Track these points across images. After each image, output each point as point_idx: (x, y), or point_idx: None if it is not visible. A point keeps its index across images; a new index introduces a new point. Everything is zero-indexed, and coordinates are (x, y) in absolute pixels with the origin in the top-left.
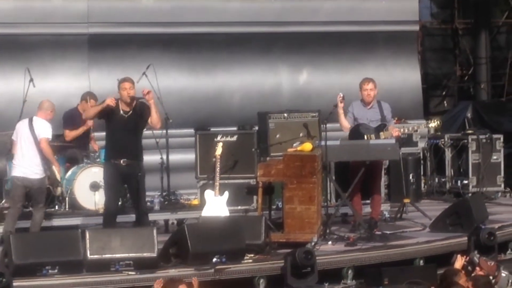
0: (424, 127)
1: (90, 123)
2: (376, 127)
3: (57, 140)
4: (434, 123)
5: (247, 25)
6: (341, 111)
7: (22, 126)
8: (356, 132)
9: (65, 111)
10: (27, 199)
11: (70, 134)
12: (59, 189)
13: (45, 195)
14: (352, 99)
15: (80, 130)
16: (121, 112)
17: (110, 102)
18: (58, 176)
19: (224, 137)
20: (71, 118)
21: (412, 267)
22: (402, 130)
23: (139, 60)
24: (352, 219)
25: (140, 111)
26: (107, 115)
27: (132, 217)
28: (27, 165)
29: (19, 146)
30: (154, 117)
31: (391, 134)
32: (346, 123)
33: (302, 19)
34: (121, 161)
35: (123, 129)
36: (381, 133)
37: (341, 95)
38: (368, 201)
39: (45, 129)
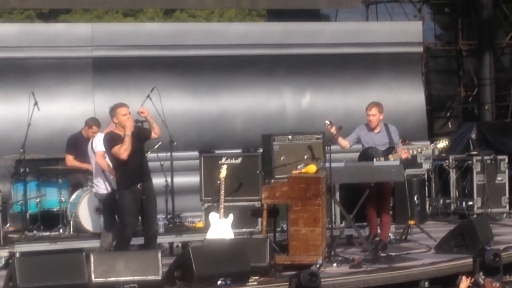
0: (433, 148)
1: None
2: (385, 149)
3: (61, 163)
4: (442, 143)
5: (250, 48)
6: (339, 138)
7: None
8: (366, 155)
9: (69, 136)
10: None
11: (72, 162)
12: None
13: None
14: (354, 121)
15: (84, 166)
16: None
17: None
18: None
19: (229, 160)
20: (73, 142)
21: None
22: (411, 151)
23: (143, 83)
24: (358, 240)
25: (138, 134)
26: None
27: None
28: (96, 181)
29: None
30: (156, 128)
31: (400, 156)
32: (345, 143)
33: (305, 41)
34: (138, 186)
35: (133, 153)
36: (390, 156)
37: (327, 122)
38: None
39: (99, 143)
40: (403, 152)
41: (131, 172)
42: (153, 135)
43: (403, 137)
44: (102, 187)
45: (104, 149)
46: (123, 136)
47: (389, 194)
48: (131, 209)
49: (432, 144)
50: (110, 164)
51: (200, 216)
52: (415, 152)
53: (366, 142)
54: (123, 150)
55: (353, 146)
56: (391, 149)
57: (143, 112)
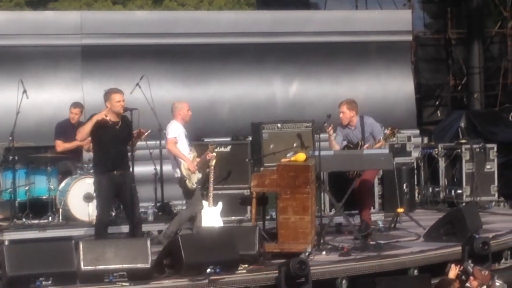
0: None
1: (85, 142)
2: (354, 147)
3: (50, 151)
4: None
5: (239, 36)
6: (331, 139)
7: None
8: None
9: (57, 122)
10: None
11: (61, 146)
12: (188, 183)
13: (187, 193)
14: None
15: (73, 144)
16: (111, 123)
17: (100, 117)
18: (184, 172)
19: (218, 148)
20: (63, 129)
21: (406, 277)
22: (370, 144)
23: (132, 71)
24: (347, 228)
25: (126, 125)
26: (97, 129)
27: (122, 229)
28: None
29: None
30: (134, 142)
31: (371, 147)
32: (336, 146)
33: (294, 30)
34: (115, 172)
35: (114, 141)
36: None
37: (326, 125)
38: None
39: (168, 130)
40: (365, 148)
41: (108, 158)
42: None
43: (392, 125)
44: (177, 170)
45: (174, 136)
46: (109, 122)
47: (370, 185)
48: (105, 195)
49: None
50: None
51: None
52: (379, 144)
53: (348, 139)
54: (78, 131)
55: None
56: (356, 146)
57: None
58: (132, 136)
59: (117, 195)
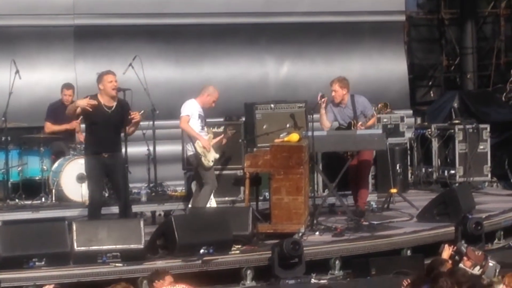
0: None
1: (75, 123)
2: (346, 126)
3: (43, 132)
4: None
5: (232, 16)
6: (323, 111)
7: None
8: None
9: (50, 103)
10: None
11: (50, 127)
12: (203, 160)
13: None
14: None
15: (62, 127)
16: (104, 108)
17: (86, 104)
18: (199, 150)
19: (211, 128)
20: (54, 110)
21: (399, 257)
22: (364, 122)
23: (125, 51)
24: (341, 208)
25: (121, 109)
26: (90, 112)
27: (115, 209)
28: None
29: None
30: (132, 130)
31: (359, 127)
32: (326, 123)
33: (287, 10)
34: (104, 154)
35: (106, 124)
36: (351, 131)
37: (321, 94)
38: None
39: (183, 109)
40: (358, 126)
41: (97, 140)
42: (127, 129)
43: (384, 102)
44: (189, 149)
45: (187, 114)
46: (102, 105)
47: (368, 166)
48: (95, 176)
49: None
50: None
51: (182, 184)
52: (369, 122)
53: (339, 117)
54: (67, 111)
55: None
56: (350, 124)
57: (136, 116)
58: (130, 121)
59: (108, 176)
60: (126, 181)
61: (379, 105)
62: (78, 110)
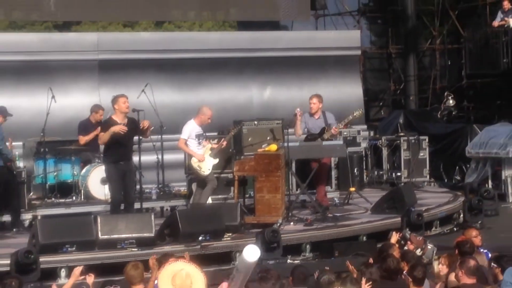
0: (351, 118)
1: (99, 129)
2: (319, 132)
3: (74, 144)
4: (358, 112)
5: (224, 52)
6: (298, 122)
7: None
8: (307, 139)
9: (79, 121)
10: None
11: (83, 139)
12: (199, 172)
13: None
14: (307, 109)
15: (91, 135)
16: (118, 124)
17: (119, 129)
18: (195, 165)
19: (210, 140)
20: (84, 126)
21: (357, 242)
22: (338, 126)
23: (139, 80)
24: (310, 204)
25: (132, 125)
26: (108, 128)
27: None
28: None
29: None
30: (148, 134)
31: (331, 133)
32: (299, 131)
33: (268, 46)
34: (120, 162)
35: (121, 138)
36: (324, 134)
37: (299, 110)
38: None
39: (182, 131)
40: (333, 129)
41: (117, 151)
42: (145, 134)
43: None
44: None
45: (184, 137)
46: (119, 123)
47: (328, 169)
48: (115, 179)
49: (350, 116)
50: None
51: (184, 185)
52: (341, 126)
53: (310, 126)
54: (100, 137)
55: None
56: (323, 130)
57: (145, 123)
58: (141, 130)
59: (122, 179)
60: (134, 184)
61: (356, 113)
62: (112, 134)
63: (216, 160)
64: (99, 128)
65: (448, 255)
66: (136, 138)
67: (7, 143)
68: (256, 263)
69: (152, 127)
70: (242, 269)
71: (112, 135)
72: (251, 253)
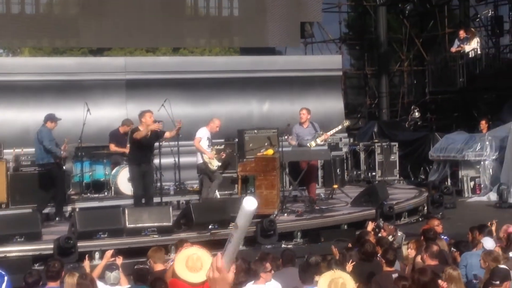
0: (341, 127)
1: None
2: (312, 137)
3: (105, 149)
4: (346, 123)
5: (229, 73)
6: (289, 139)
7: None
8: (300, 144)
9: (110, 131)
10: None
11: (113, 148)
12: (209, 165)
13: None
14: (297, 121)
15: (121, 150)
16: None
17: (156, 127)
18: (206, 160)
19: (215, 146)
20: (114, 136)
21: (339, 229)
22: (330, 133)
23: (159, 96)
24: (301, 198)
25: (154, 134)
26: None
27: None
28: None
29: None
30: (173, 133)
31: (323, 138)
32: (293, 142)
33: (265, 68)
34: (142, 164)
35: (147, 144)
36: (318, 139)
37: (288, 124)
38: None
39: (197, 133)
40: (325, 135)
41: (140, 154)
42: (167, 134)
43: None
44: (199, 160)
45: (199, 136)
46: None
47: (316, 170)
48: (137, 178)
49: (340, 125)
50: (202, 147)
51: (196, 183)
52: (331, 133)
53: (300, 135)
54: (137, 135)
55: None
56: (316, 136)
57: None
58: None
59: (143, 179)
60: (153, 182)
61: (345, 123)
62: (149, 131)
63: (219, 163)
64: (128, 146)
65: (415, 241)
66: (156, 144)
67: (63, 145)
68: (254, 213)
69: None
70: (241, 222)
71: (145, 135)
72: (250, 202)
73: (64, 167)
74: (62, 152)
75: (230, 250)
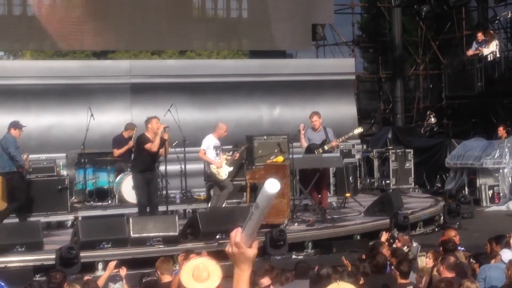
0: (352, 134)
1: (131, 143)
2: (321, 143)
3: (109, 155)
4: (358, 130)
5: (238, 76)
6: (302, 136)
7: None
8: (309, 149)
9: (114, 136)
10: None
11: (117, 152)
12: (218, 176)
13: (216, 182)
14: (308, 125)
15: (124, 149)
16: (151, 139)
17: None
18: (214, 171)
19: (226, 152)
20: (117, 141)
21: (352, 240)
22: (339, 140)
23: (165, 100)
24: (312, 207)
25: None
26: (141, 143)
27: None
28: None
29: None
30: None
31: (332, 145)
32: (304, 143)
33: (275, 72)
34: (146, 172)
35: (150, 151)
36: (325, 146)
37: (302, 125)
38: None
39: (202, 143)
40: (334, 142)
41: (145, 161)
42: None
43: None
44: (208, 167)
45: (203, 148)
46: (151, 139)
47: (327, 177)
48: (141, 186)
49: (351, 132)
50: (208, 158)
51: (204, 191)
52: (341, 140)
53: (311, 139)
54: (153, 146)
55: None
56: (324, 142)
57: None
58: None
59: (147, 186)
60: (157, 190)
61: (357, 131)
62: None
63: (231, 168)
64: (130, 142)
65: (434, 252)
66: (162, 150)
67: (24, 156)
68: (275, 196)
69: (176, 141)
70: (262, 202)
71: (140, 141)
72: (272, 185)
73: (27, 177)
74: (25, 162)
75: (250, 227)
